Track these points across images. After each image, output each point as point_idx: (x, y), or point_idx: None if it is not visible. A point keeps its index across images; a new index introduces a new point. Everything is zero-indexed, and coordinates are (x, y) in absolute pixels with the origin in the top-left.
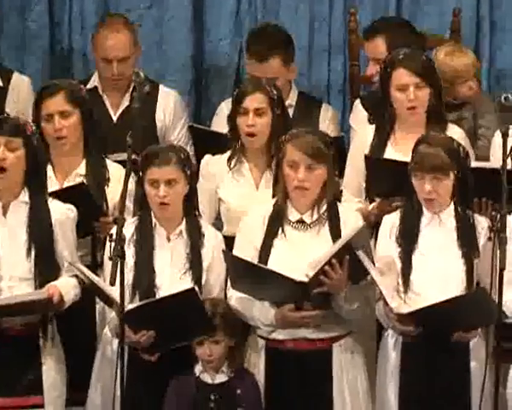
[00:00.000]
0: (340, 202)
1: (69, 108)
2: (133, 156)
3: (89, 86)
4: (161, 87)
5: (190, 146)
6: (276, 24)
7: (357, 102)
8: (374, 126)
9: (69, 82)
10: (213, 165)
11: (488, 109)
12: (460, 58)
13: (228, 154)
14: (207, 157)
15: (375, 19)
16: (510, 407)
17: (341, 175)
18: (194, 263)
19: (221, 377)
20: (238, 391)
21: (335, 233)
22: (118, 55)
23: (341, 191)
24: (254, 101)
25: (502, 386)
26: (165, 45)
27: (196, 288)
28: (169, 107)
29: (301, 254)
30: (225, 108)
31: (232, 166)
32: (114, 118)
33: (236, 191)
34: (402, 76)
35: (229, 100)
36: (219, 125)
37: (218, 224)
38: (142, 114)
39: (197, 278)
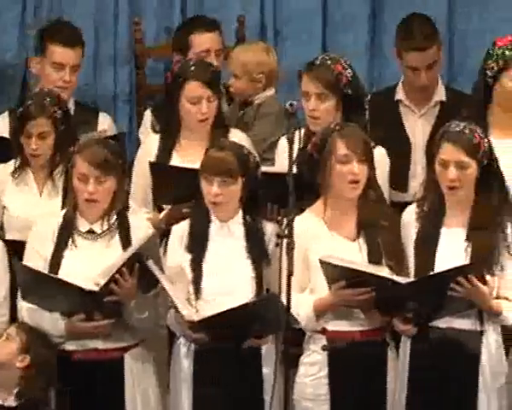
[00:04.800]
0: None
1: None
2: None
3: None
4: None
5: None
6: None
7: (148, 112)
8: (159, 135)
9: None
10: None
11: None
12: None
13: (12, 162)
14: None
15: (161, 28)
16: None
17: None
18: None
19: (10, 402)
20: None
21: (126, 242)
22: None
23: None
24: (37, 126)
25: (291, 391)
26: None
27: None
28: None
29: (92, 264)
30: (1, 122)
31: (16, 176)
32: None
33: (20, 199)
34: (195, 88)
35: (5, 114)
36: None
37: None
38: None
39: None
